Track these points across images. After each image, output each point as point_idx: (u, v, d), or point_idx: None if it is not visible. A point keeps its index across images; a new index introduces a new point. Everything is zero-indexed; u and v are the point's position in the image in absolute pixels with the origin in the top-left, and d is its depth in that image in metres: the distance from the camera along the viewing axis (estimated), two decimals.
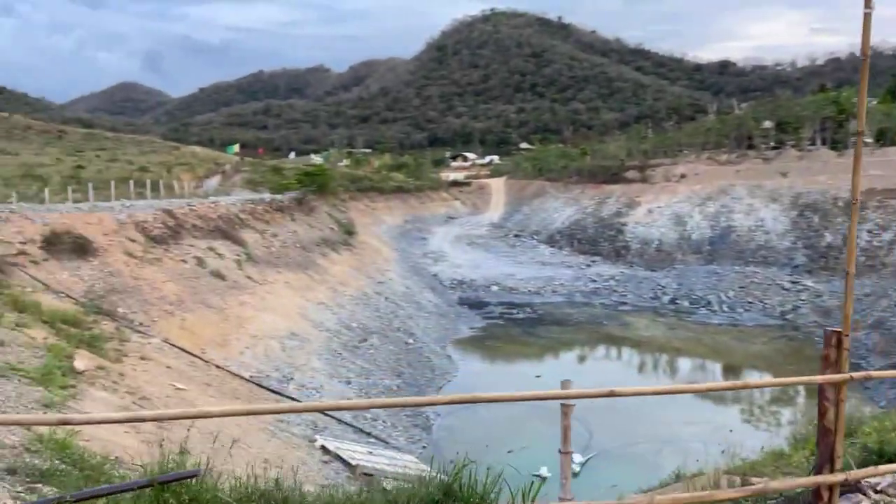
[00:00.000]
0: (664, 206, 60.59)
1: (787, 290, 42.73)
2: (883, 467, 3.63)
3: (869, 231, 43.38)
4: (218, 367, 19.71)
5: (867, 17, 3.23)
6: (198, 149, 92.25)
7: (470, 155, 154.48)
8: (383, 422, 21.14)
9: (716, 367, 33.44)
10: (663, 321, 40.35)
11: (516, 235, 70.31)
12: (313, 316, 28.66)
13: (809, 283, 43.01)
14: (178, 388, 15.69)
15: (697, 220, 56.60)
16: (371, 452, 17.63)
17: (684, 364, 34.10)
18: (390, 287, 40.97)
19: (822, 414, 3.47)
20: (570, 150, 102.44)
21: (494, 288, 48.15)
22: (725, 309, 41.85)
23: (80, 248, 22.28)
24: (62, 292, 19.32)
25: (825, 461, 3.45)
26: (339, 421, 19.45)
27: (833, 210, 48.73)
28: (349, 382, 23.50)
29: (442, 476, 4.21)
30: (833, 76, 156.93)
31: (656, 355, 35.27)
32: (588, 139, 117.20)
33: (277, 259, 33.54)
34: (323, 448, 16.73)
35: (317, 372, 23.01)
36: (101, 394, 12.40)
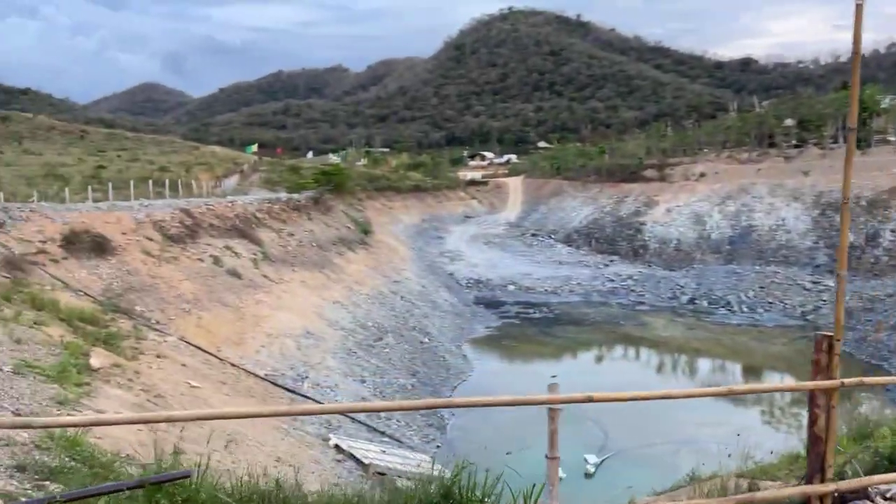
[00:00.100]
0: (683, 206, 60.01)
1: (808, 290, 42.12)
2: (877, 477, 3.51)
3: (893, 231, 42.64)
4: (233, 365, 19.82)
5: (859, 9, 3.13)
6: (217, 149, 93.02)
7: (488, 154, 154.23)
8: (397, 421, 21.14)
9: (735, 368, 33.06)
10: (682, 321, 39.96)
11: (533, 234, 70.04)
12: (329, 315, 28.75)
13: (831, 283, 42.31)
14: (193, 386, 15.79)
15: (717, 220, 55.99)
16: (384, 451, 17.63)
17: (703, 365, 33.75)
18: (406, 286, 40.99)
19: (812, 421, 3.35)
20: (588, 148, 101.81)
21: (511, 287, 48.00)
22: (745, 309, 41.34)
23: (99, 246, 22.53)
24: (80, 291, 19.55)
25: (815, 470, 3.34)
26: (353, 420, 19.47)
27: (855, 209, 47.89)
28: (364, 381, 23.53)
29: (442, 477, 4.16)
30: None
31: (675, 356, 34.94)
32: (606, 138, 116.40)
33: (294, 258, 33.69)
34: (336, 447, 16.75)
35: (331, 371, 23.06)
36: (116, 391, 12.51)
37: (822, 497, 3.33)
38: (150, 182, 41.55)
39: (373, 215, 59.23)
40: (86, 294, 19.39)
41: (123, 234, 24.39)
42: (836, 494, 3.74)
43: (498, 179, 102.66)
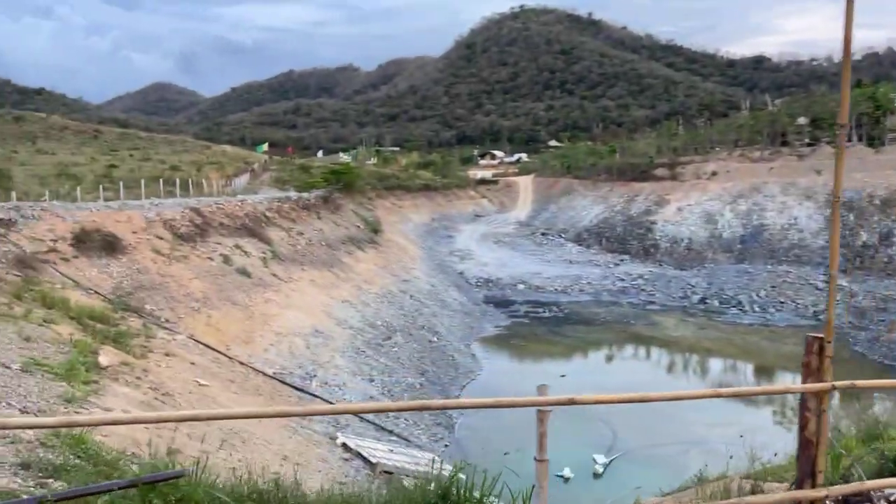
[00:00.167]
0: (694, 204, 59.67)
1: (820, 289, 41.73)
2: (870, 482, 3.44)
3: None
4: (242, 363, 19.89)
5: (850, 2, 3.07)
6: (228, 148, 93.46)
7: (498, 153, 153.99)
8: (406, 420, 21.13)
9: (747, 368, 32.83)
10: (693, 321, 39.74)
11: (543, 234, 69.87)
12: (338, 313, 28.79)
13: (844, 282, 41.92)
14: (201, 385, 15.85)
15: (729, 219, 55.62)
16: (392, 451, 17.62)
17: (714, 365, 33.54)
18: (415, 285, 41.00)
19: (802, 425, 3.28)
20: (598, 147, 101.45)
21: (520, 286, 47.91)
22: (756, 309, 41.05)
23: (110, 245, 22.67)
24: (91, 289, 19.68)
25: (806, 476, 3.27)
26: (362, 418, 19.48)
27: (869, 208, 47.49)
28: (372, 380, 23.55)
29: (441, 477, 4.13)
30: (870, 71, 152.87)
31: (686, 355, 34.74)
32: (618, 136, 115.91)
33: (303, 257, 33.77)
34: (344, 446, 16.76)
35: (340, 369, 23.10)
36: (124, 389, 12.56)
37: (812, 503, 3.26)
38: (161, 181, 41.77)
39: (382, 214, 59.29)
40: (96, 292, 19.52)
41: (134, 232, 24.54)
42: (839, 498, 3.68)
43: (508, 178, 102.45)
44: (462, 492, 3.97)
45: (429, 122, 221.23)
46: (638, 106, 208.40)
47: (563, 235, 68.41)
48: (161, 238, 25.38)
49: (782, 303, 41.22)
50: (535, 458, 3.75)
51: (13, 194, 29.31)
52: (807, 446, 3.30)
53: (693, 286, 46.43)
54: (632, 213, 64.50)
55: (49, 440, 7.22)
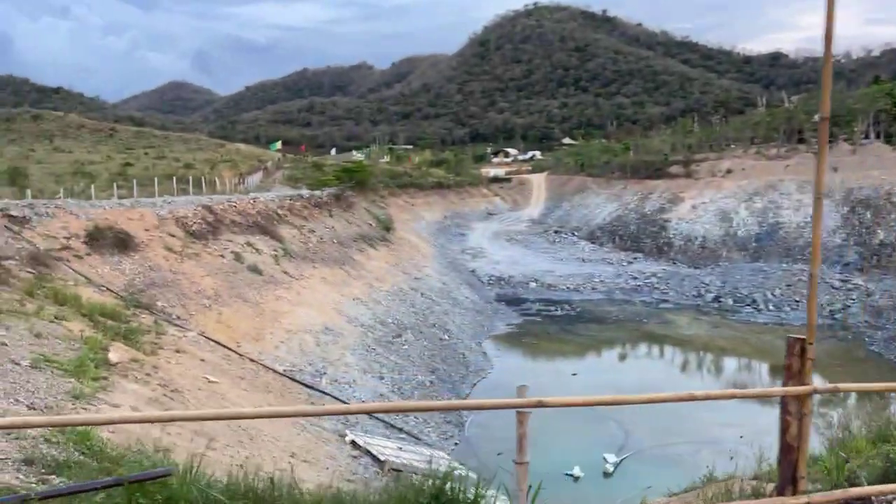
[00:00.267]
0: (709, 202, 59.22)
1: (836, 288, 41.25)
2: (854, 490, 3.34)
3: None
4: (252, 360, 19.95)
5: None
6: (242, 146, 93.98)
7: (511, 150, 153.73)
8: (415, 418, 21.09)
9: (761, 368, 32.50)
10: (706, 319, 39.41)
11: (556, 231, 69.62)
12: (348, 311, 28.82)
13: (860, 281, 41.44)
14: (211, 381, 15.90)
15: (744, 217, 55.13)
16: (401, 448, 17.62)
17: (728, 364, 33.24)
18: (427, 283, 40.97)
19: (783, 429, 3.19)
20: (612, 145, 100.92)
21: (533, 284, 47.75)
22: (771, 308, 40.64)
23: (122, 242, 22.81)
24: (103, 286, 19.81)
25: (787, 482, 3.17)
26: (371, 416, 19.48)
27: (886, 206, 46.88)
28: (382, 378, 23.55)
29: (435, 477, 4.08)
30: (889, 68, 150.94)
31: (699, 354, 34.47)
32: (632, 134, 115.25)
33: (314, 254, 33.84)
34: (353, 443, 16.77)
35: (350, 367, 23.12)
36: (133, 386, 12.61)
37: None
38: (175, 179, 42.04)
39: (395, 212, 59.32)
40: (108, 289, 19.64)
41: (146, 230, 24.67)
42: (841, 502, 3.59)
43: (521, 176, 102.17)
44: (456, 491, 3.92)
45: (442, 120, 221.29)
46: (653, 103, 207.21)
47: (576, 233, 68.13)
48: (173, 235, 25.50)
49: (797, 301, 40.76)
50: (513, 461, 3.69)
51: (28, 192, 29.60)
52: (788, 451, 3.21)
53: (707, 284, 46.05)
54: (646, 210, 64.11)
55: (54, 436, 7.25)
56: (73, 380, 10.79)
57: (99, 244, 22.08)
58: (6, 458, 6.34)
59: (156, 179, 39.00)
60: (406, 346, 27.82)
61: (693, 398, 3.30)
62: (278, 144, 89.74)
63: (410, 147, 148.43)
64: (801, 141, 66.02)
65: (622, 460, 19.81)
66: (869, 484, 3.84)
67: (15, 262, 18.23)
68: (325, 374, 21.66)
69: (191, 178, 43.43)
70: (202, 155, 74.45)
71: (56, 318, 14.47)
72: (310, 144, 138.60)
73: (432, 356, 28.07)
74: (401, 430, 20.02)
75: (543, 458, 20.36)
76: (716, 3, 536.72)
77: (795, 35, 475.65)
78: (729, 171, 62.69)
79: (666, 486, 10.77)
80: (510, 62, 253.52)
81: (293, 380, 20.17)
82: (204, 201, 30.85)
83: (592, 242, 64.11)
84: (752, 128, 77.00)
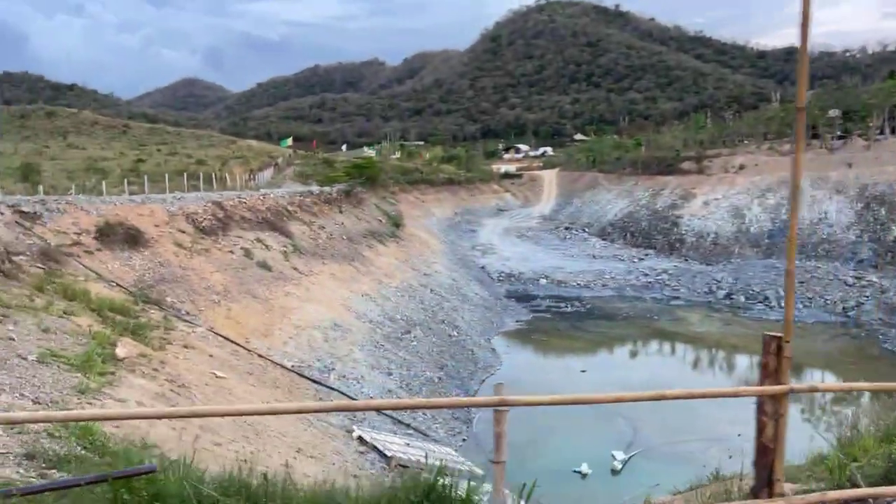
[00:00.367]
0: (721, 198, 58.78)
1: (850, 285, 40.82)
2: (832, 494, 3.26)
3: None
4: (260, 356, 20.01)
5: None
6: (253, 142, 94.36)
7: (522, 146, 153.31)
8: (423, 413, 21.07)
9: None
10: (718, 316, 39.13)
11: (567, 228, 69.38)
12: (357, 307, 28.85)
13: (874, 278, 40.98)
14: (218, 377, 15.94)
15: (756, 213, 54.67)
16: (408, 444, 17.61)
17: (740, 361, 32.97)
18: (436, 279, 40.94)
19: (759, 430, 3.11)
20: (624, 141, 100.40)
21: (543, 281, 47.60)
22: (783, 305, 40.25)
23: (132, 238, 22.93)
24: (113, 281, 19.93)
25: (763, 484, 3.10)
26: (379, 412, 19.49)
27: None
28: (390, 374, 23.56)
29: (426, 474, 4.05)
30: None
31: (711, 351, 34.24)
32: (644, 130, 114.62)
33: (324, 251, 33.90)
34: (360, 439, 16.78)
35: (358, 363, 23.14)
36: (140, 381, 12.66)
37: None
38: (186, 175, 42.23)
39: (405, 208, 59.32)
40: (118, 285, 19.76)
41: (156, 226, 24.80)
42: (840, 502, 3.51)
43: (532, 172, 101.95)
44: (448, 490, 3.88)
45: (453, 116, 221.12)
46: (666, 98, 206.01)
47: (586, 230, 67.87)
48: (183, 232, 25.62)
49: (810, 298, 40.39)
50: (490, 461, 3.64)
51: (40, 188, 29.83)
52: (764, 452, 3.14)
53: (719, 281, 45.73)
54: (657, 207, 63.74)
55: (57, 431, 7.27)
56: (79, 374, 10.84)
57: (109, 240, 22.21)
58: (7, 453, 6.36)
59: (167, 176, 39.21)
60: (415, 343, 27.81)
61: (663, 397, 3.23)
62: (289, 141, 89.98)
63: (422, 143, 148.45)
64: (815, 137, 65.31)
65: (630, 457, 19.72)
66: (868, 485, 3.77)
67: (25, 258, 18.37)
68: (333, 369, 21.68)
69: (201, 174, 43.62)
70: (214, 151, 74.82)
71: (65, 313, 14.55)
72: (321, 141, 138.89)
73: (441, 352, 28.05)
74: (408, 426, 20.02)
75: (552, 455, 20.34)
76: None
77: (811, 30, 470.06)
78: (742, 167, 62.18)
79: (673, 483, 10.70)
80: (522, 58, 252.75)
81: (301, 375, 20.21)
82: (214, 197, 30.97)
83: (603, 239, 63.84)
84: (766, 123, 76.36)
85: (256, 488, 4.42)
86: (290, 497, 4.19)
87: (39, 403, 8.92)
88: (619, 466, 19.26)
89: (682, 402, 20.30)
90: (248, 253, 26.92)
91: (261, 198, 34.48)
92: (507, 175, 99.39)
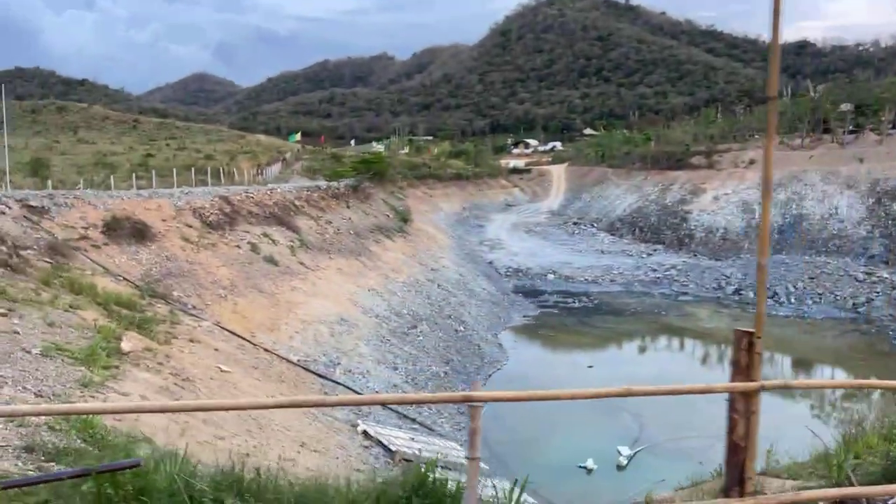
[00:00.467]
0: (731, 193, 58.41)
1: (860, 281, 40.48)
2: (806, 493, 3.19)
3: None
4: (266, 350, 20.05)
5: None
6: (262, 137, 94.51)
7: (531, 141, 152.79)
8: (428, 408, 21.07)
9: (783, 361, 32.02)
10: (726, 312, 38.92)
11: (575, 223, 69.15)
12: (363, 302, 28.86)
13: (885, 274, 40.61)
14: (223, 371, 15.98)
15: None
16: (413, 439, 17.60)
17: None
18: (443, 274, 40.90)
19: (731, 428, 3.04)
20: (634, 135, 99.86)
21: (550, 276, 47.48)
22: (793, 300, 39.99)
23: (139, 232, 23.03)
24: (120, 276, 20.01)
25: (734, 483, 3.03)
26: (384, 406, 19.50)
27: None
28: (396, 368, 23.57)
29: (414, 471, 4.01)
30: None
31: (720, 347, 34.03)
32: (655, 124, 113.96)
33: (330, 245, 33.92)
34: (364, 433, 16.79)
35: (364, 357, 23.15)
36: (144, 374, 12.70)
37: None
38: (193, 170, 42.35)
39: (413, 203, 59.27)
40: (125, 279, 19.84)
41: (163, 220, 24.88)
42: (838, 502, 3.45)
43: (541, 167, 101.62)
44: (438, 485, 3.85)
45: (463, 111, 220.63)
46: (676, 93, 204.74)
47: (595, 225, 67.62)
48: (190, 226, 25.69)
49: (820, 294, 40.09)
50: (465, 457, 3.59)
51: (49, 183, 29.99)
52: (735, 451, 3.07)
53: (727, 277, 45.46)
54: (666, 202, 63.40)
55: (57, 423, 7.28)
56: (83, 368, 10.87)
57: (116, 234, 22.30)
58: (6, 446, 6.38)
59: (175, 170, 39.32)
60: (421, 337, 27.80)
61: (630, 393, 3.18)
62: (297, 136, 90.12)
63: (430, 138, 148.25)
64: (826, 131, 64.78)
65: (636, 453, 19.66)
66: (867, 483, 3.70)
67: (33, 252, 18.47)
68: (339, 364, 21.71)
69: (209, 169, 43.72)
70: (223, 146, 74.98)
71: (71, 306, 14.61)
72: (330, 136, 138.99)
73: (447, 347, 28.03)
74: (413, 420, 20.02)
75: (558, 450, 20.30)
76: None
77: (822, 23, 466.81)
78: (752, 162, 61.75)
79: (678, 480, 10.65)
80: (532, 52, 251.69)
81: (307, 370, 20.24)
82: (221, 192, 31.04)
83: (612, 234, 63.60)
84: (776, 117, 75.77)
85: (249, 483, 4.40)
86: (282, 491, 4.17)
87: (42, 397, 8.95)
88: (625, 462, 19.20)
89: (687, 399, 20.18)
90: (254, 247, 26.98)
91: (268, 192, 34.54)
92: (515, 170, 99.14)
